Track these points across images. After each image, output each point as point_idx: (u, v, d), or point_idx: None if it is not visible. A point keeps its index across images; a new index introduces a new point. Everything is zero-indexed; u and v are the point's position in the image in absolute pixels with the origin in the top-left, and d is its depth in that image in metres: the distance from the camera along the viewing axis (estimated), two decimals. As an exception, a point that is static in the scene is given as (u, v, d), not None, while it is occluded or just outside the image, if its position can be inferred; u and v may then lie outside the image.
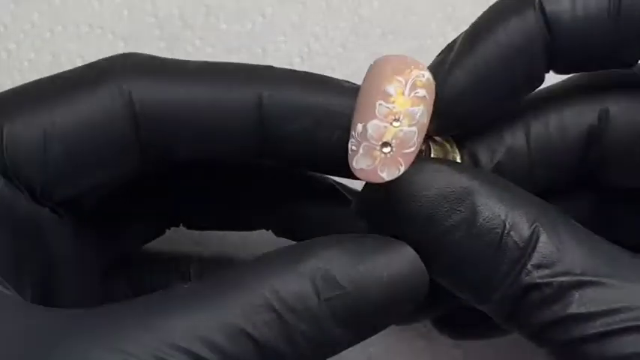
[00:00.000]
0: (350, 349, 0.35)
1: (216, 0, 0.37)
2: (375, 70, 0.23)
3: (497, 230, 0.23)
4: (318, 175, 0.30)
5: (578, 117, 0.27)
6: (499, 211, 0.23)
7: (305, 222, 0.30)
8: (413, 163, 0.23)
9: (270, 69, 0.26)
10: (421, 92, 0.23)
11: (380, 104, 0.23)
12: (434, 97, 0.23)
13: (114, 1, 0.37)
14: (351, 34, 0.36)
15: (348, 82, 0.27)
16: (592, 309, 0.22)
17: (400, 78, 0.23)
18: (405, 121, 0.23)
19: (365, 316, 0.23)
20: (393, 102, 0.23)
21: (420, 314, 0.30)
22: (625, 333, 0.22)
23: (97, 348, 0.21)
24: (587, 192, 0.29)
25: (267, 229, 0.31)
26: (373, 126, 0.23)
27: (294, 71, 0.26)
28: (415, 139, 0.23)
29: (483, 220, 0.23)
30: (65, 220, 0.27)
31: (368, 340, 0.35)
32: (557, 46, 0.25)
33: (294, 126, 0.25)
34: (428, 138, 0.25)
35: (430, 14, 0.37)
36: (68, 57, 0.30)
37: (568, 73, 0.27)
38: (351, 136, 0.23)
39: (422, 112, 0.23)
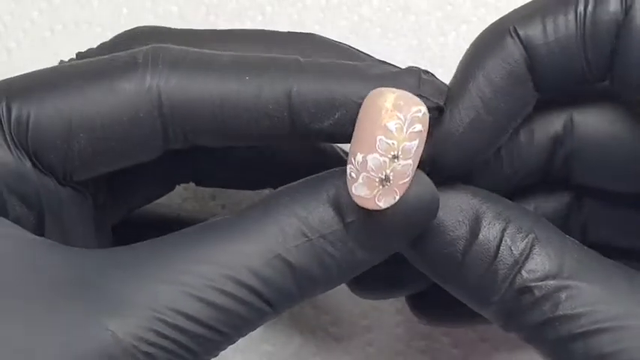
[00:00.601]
0: (349, 348, 0.35)
1: (216, -2, 0.37)
2: (375, 102, 0.24)
3: (496, 241, 0.25)
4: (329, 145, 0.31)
5: (545, 124, 0.28)
6: (498, 224, 0.26)
7: None
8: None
9: (297, 62, 0.26)
10: (418, 127, 0.24)
11: (380, 139, 0.24)
12: (427, 129, 0.24)
13: (113, 0, 0.37)
14: (351, 33, 0.36)
15: (373, 61, 0.27)
16: (577, 310, 0.25)
17: (400, 115, 0.24)
18: (403, 156, 0.24)
19: (383, 238, 0.25)
20: (393, 138, 0.24)
21: (394, 290, 0.31)
22: (604, 333, 0.24)
23: (148, 280, 0.23)
24: (566, 191, 0.30)
25: (275, 189, 0.32)
26: (373, 159, 0.24)
27: (321, 63, 0.26)
28: (410, 171, 0.24)
29: (485, 232, 0.26)
30: (82, 192, 0.27)
31: (367, 340, 0.35)
32: (536, 68, 0.26)
33: (323, 124, 0.25)
34: None
35: (430, 13, 0.37)
36: (68, 55, 0.30)
37: (552, 96, 0.28)
38: (349, 162, 0.24)
39: (417, 146, 0.24)
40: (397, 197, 0.24)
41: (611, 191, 0.29)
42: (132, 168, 0.28)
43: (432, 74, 0.26)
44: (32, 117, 0.25)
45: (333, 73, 0.26)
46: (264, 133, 0.26)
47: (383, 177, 0.24)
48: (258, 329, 0.35)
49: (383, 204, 0.24)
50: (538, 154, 0.28)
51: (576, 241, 0.26)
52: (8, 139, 0.25)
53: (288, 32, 0.28)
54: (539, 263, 0.25)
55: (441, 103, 0.25)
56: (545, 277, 0.25)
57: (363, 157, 0.24)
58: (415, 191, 0.25)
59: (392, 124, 0.24)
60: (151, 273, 0.24)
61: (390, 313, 0.35)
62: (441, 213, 0.25)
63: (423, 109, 0.24)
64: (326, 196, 0.25)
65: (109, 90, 0.25)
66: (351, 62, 0.26)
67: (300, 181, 0.26)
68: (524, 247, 0.25)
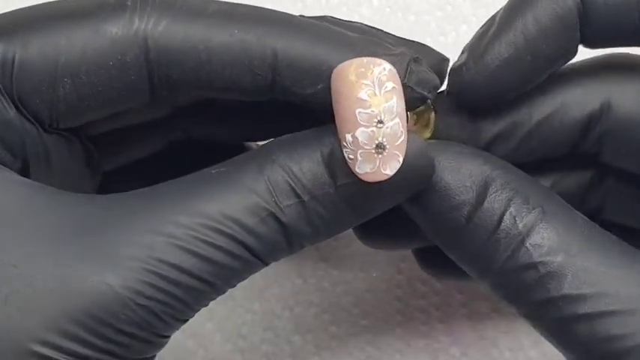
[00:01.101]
0: (349, 347, 0.35)
1: (216, -2, 0.37)
2: (340, 79, 0.24)
3: (501, 210, 0.25)
4: None
5: (584, 100, 0.28)
6: (505, 194, 0.25)
7: None
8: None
9: (289, 21, 0.26)
10: (389, 85, 0.24)
11: (359, 112, 0.23)
12: (400, 82, 0.24)
13: None
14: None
15: (355, 25, 0.27)
16: (583, 291, 0.24)
17: (366, 81, 0.24)
18: (387, 118, 0.24)
19: (374, 200, 0.25)
20: (370, 106, 0.23)
21: (401, 242, 0.31)
22: (612, 316, 0.24)
23: (142, 231, 0.24)
24: (587, 168, 0.30)
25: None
26: (362, 133, 0.24)
27: (315, 26, 0.26)
28: (400, 128, 0.24)
29: (490, 199, 0.25)
30: (69, 139, 0.27)
31: (366, 339, 0.35)
32: (590, 19, 0.26)
33: (305, 91, 0.25)
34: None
35: (430, 13, 0.38)
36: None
37: (599, 47, 0.28)
38: (343, 146, 0.24)
39: (397, 102, 0.24)
40: (401, 159, 0.24)
41: (636, 174, 0.29)
42: (124, 119, 0.28)
43: (421, 62, 0.25)
44: (17, 59, 0.25)
45: (325, 41, 0.25)
46: (246, 88, 0.25)
47: (378, 144, 0.24)
48: (258, 329, 0.35)
49: (390, 171, 0.24)
50: (571, 130, 0.28)
51: (587, 219, 0.26)
52: None
53: (301, 16, 0.28)
54: (545, 238, 0.25)
55: (425, 93, 0.25)
56: (551, 253, 0.24)
57: (352, 136, 0.24)
58: (408, 155, 0.24)
59: (363, 94, 0.23)
60: (144, 225, 0.24)
61: (390, 312, 0.35)
62: (449, 176, 0.25)
63: (387, 66, 0.24)
64: (320, 155, 0.25)
65: (95, 33, 0.25)
66: (349, 34, 0.26)
67: (296, 135, 0.26)
68: (530, 219, 0.25)
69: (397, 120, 0.24)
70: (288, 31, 0.25)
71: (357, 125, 0.23)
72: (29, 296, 0.23)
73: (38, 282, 0.23)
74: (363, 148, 0.24)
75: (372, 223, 0.26)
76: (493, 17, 0.27)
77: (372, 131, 0.23)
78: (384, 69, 0.24)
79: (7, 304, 0.23)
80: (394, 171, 0.24)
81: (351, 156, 0.24)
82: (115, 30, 0.25)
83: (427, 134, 0.27)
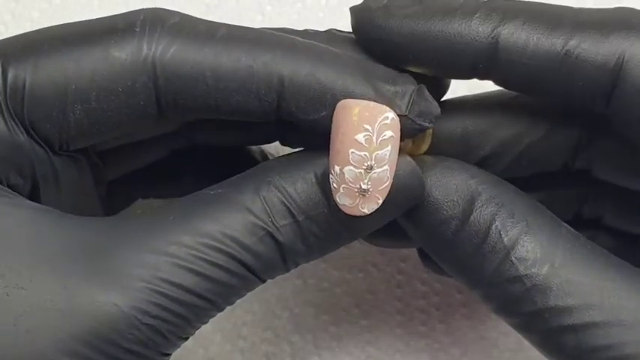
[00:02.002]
0: (349, 347, 0.35)
1: (216, -2, 0.37)
2: (343, 114, 0.24)
3: (486, 224, 0.25)
4: None
5: (571, 124, 0.28)
6: (490, 208, 0.26)
7: None
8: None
9: (293, 47, 0.26)
10: (388, 134, 0.24)
11: (352, 152, 0.24)
12: (399, 132, 0.24)
13: (113, 0, 0.37)
14: (351, 33, 0.36)
15: (363, 59, 0.27)
16: (568, 302, 0.24)
17: (367, 126, 0.24)
18: (377, 164, 0.24)
19: (366, 219, 0.25)
20: (364, 150, 0.24)
21: (404, 241, 0.30)
22: (596, 327, 0.24)
23: (146, 252, 0.24)
24: (583, 180, 0.30)
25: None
26: (349, 172, 0.24)
27: (317, 52, 0.26)
28: (387, 175, 0.24)
29: (476, 213, 0.26)
30: (78, 160, 0.27)
31: (367, 339, 0.35)
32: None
33: (308, 116, 0.25)
34: None
35: (430, 13, 0.38)
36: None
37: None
38: (330, 173, 0.25)
39: (390, 151, 0.24)
40: (380, 202, 0.25)
41: (629, 189, 0.29)
42: (132, 136, 0.28)
43: (423, 90, 0.26)
44: (27, 84, 0.25)
45: (330, 67, 0.25)
46: (252, 112, 0.26)
47: (361, 188, 0.24)
48: (258, 329, 0.35)
49: (367, 210, 0.25)
50: (561, 151, 0.28)
51: (572, 231, 0.26)
52: (3, 108, 0.25)
53: (305, 30, 0.28)
54: (529, 251, 0.25)
55: (425, 124, 0.25)
56: (535, 266, 0.25)
57: (340, 169, 0.24)
58: (399, 176, 0.25)
59: (361, 137, 0.24)
60: (148, 246, 0.24)
61: (390, 312, 0.35)
62: (437, 192, 0.26)
63: (390, 114, 0.24)
64: (314, 176, 0.25)
65: (104, 59, 0.25)
66: (352, 59, 0.26)
67: (290, 156, 0.26)
68: (514, 233, 0.25)
69: (386, 167, 0.24)
70: (293, 56, 0.25)
71: (347, 163, 0.24)
72: (38, 318, 0.23)
73: (47, 303, 0.23)
74: (347, 185, 0.24)
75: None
76: None
77: (360, 173, 0.24)
78: (387, 117, 0.24)
79: (17, 325, 0.23)
80: (371, 211, 0.25)
81: (334, 185, 0.25)
82: (124, 56, 0.25)
83: (424, 148, 0.28)
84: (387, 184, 0.24)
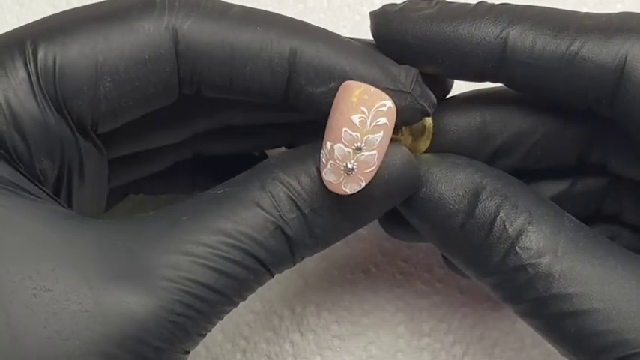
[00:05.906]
0: (351, 347, 0.35)
1: None
2: (344, 94, 0.25)
3: (491, 217, 0.26)
4: None
5: (586, 115, 0.28)
6: (494, 200, 0.27)
7: None
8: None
9: (305, 25, 0.27)
10: (382, 120, 0.25)
11: (345, 131, 0.25)
12: (394, 122, 0.25)
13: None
14: (351, 33, 0.36)
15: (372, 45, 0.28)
16: (569, 290, 0.25)
17: (364, 109, 0.25)
18: (366, 147, 0.25)
19: (366, 209, 0.27)
20: (357, 131, 0.25)
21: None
22: (596, 313, 0.25)
23: (167, 252, 0.25)
24: (601, 174, 0.30)
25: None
26: (339, 149, 0.25)
27: (327, 32, 0.27)
28: (375, 160, 0.25)
29: (481, 206, 0.26)
30: (101, 151, 0.28)
31: (368, 339, 0.35)
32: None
33: (316, 89, 0.26)
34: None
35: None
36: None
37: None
38: (322, 149, 0.26)
39: (382, 138, 0.25)
40: (363, 184, 0.26)
41: None
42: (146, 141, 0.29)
43: (422, 80, 0.27)
44: (58, 62, 0.25)
45: (337, 46, 0.27)
46: (264, 86, 0.26)
47: (347, 167, 0.25)
48: (259, 329, 0.35)
49: (349, 190, 0.26)
50: (577, 142, 0.29)
51: (575, 221, 0.27)
52: (36, 89, 0.25)
53: None
54: (533, 241, 0.26)
55: (426, 107, 0.26)
56: (539, 255, 0.26)
57: (331, 146, 0.25)
58: (395, 166, 0.26)
59: (356, 118, 0.25)
60: (168, 246, 0.25)
61: (392, 312, 0.35)
62: (443, 187, 0.27)
63: (388, 103, 0.25)
64: (315, 169, 0.26)
65: (129, 30, 0.26)
66: (360, 42, 0.27)
67: (292, 151, 0.28)
68: (518, 223, 0.26)
69: (375, 152, 0.25)
70: (304, 32, 0.27)
71: (339, 140, 0.25)
72: (67, 319, 0.24)
73: (74, 305, 0.24)
74: (335, 162, 0.25)
75: (398, 216, 0.28)
76: None
77: (349, 152, 0.25)
78: (385, 105, 0.25)
79: (47, 327, 0.24)
80: (353, 192, 0.26)
81: (323, 160, 0.26)
82: (148, 25, 0.26)
83: (426, 145, 0.29)
84: (372, 169, 0.25)
